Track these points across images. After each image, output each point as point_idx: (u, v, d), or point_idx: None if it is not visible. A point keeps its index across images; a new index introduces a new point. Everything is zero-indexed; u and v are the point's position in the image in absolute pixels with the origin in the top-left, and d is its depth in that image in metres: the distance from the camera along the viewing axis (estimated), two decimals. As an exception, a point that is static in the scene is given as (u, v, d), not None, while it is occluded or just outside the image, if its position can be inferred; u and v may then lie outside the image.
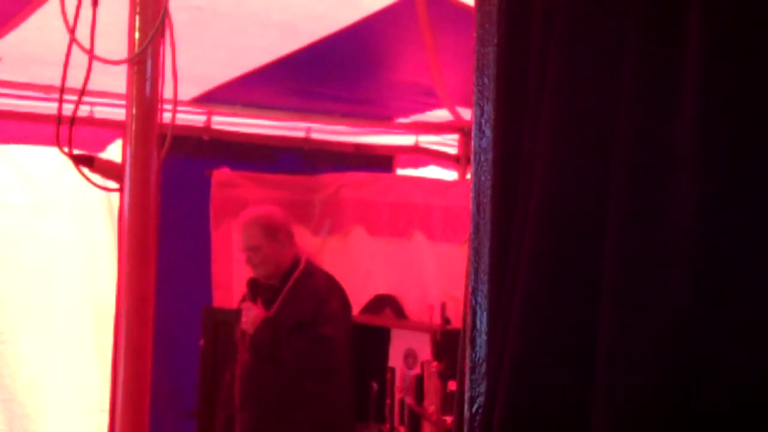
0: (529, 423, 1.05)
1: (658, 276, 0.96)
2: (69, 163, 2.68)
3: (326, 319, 3.92)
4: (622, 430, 0.97)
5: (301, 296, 3.97)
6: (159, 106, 2.62)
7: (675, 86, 0.94)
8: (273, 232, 4.05)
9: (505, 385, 1.07)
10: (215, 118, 4.97)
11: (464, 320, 1.22)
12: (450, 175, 5.68)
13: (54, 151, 2.71)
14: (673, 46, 0.93)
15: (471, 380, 1.16)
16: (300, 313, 3.91)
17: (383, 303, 4.83)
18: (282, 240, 4.06)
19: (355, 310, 4.69)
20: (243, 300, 4.16)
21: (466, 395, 1.16)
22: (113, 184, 2.68)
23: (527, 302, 1.04)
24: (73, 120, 2.60)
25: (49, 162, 4.39)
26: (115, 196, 4.19)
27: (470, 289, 1.17)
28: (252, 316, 3.90)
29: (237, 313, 4.14)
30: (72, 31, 2.52)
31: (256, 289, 4.05)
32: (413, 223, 5.03)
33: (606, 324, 0.98)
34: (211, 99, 4.79)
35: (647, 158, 0.96)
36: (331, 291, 4.06)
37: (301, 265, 4.06)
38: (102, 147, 4.53)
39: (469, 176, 1.23)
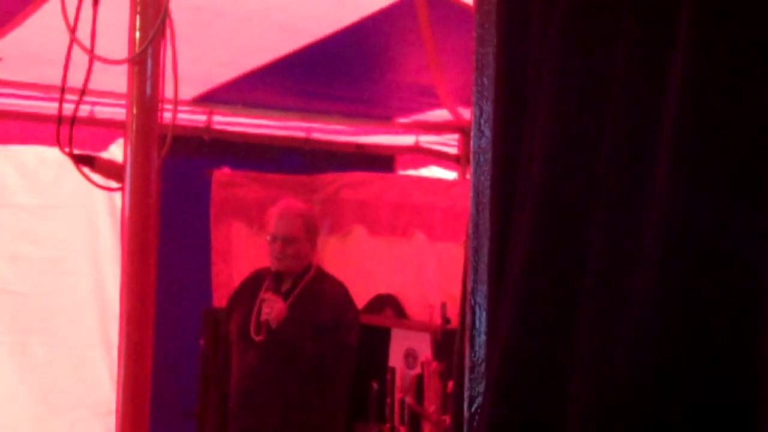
0: (512, 421, 1.05)
1: (633, 276, 0.95)
2: (70, 163, 2.68)
3: (349, 327, 3.93)
4: (594, 428, 0.96)
5: (316, 299, 3.93)
6: (159, 106, 2.62)
7: (662, 84, 0.94)
8: (312, 230, 4.04)
9: (491, 385, 1.08)
10: (216, 118, 4.98)
11: (462, 319, 1.23)
12: (450, 175, 5.69)
13: (55, 150, 2.71)
14: (664, 45, 0.93)
15: (470, 379, 1.16)
16: (317, 316, 3.88)
17: (383, 303, 4.83)
18: (314, 241, 4.06)
19: (355, 310, 4.69)
20: (243, 288, 4.12)
21: (466, 394, 1.17)
22: (114, 184, 2.69)
23: (516, 302, 1.04)
24: (74, 120, 2.60)
25: (51, 162, 4.39)
26: (118, 196, 4.22)
27: (470, 288, 1.17)
28: (277, 309, 3.80)
29: (233, 308, 4.09)
30: (72, 30, 2.52)
31: (278, 283, 3.98)
32: (413, 223, 5.04)
33: (582, 322, 0.98)
34: (212, 99, 4.80)
35: (631, 157, 0.97)
36: (348, 298, 4.06)
37: (314, 268, 4.05)
38: (104, 146, 4.55)
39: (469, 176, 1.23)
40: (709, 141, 0.91)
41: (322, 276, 4.07)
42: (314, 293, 3.95)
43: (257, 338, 3.86)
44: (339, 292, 4.04)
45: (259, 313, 3.89)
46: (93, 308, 4.61)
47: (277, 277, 3.98)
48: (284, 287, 3.96)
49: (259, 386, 3.88)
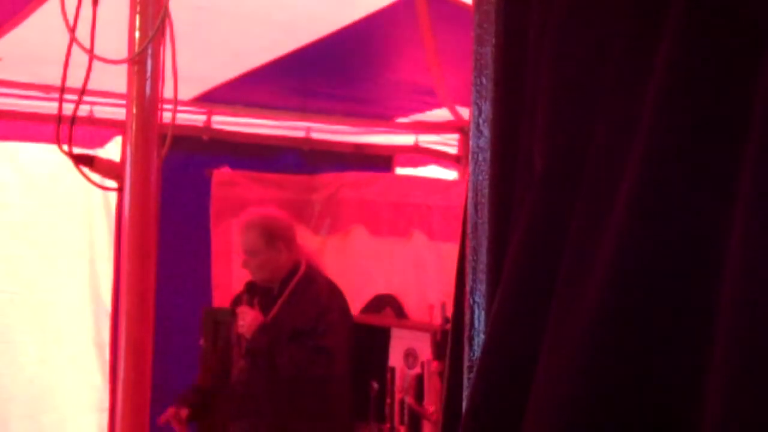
0: (490, 417, 1.05)
1: (591, 272, 0.94)
2: (68, 163, 2.69)
3: (327, 329, 3.83)
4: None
5: (300, 303, 3.89)
6: (159, 106, 2.62)
7: (647, 83, 0.93)
8: (272, 238, 3.95)
9: (474, 381, 1.08)
10: (215, 118, 4.98)
11: (458, 319, 1.23)
12: (450, 174, 5.69)
13: (53, 150, 2.71)
14: (655, 44, 0.92)
15: (469, 379, 1.16)
16: (299, 320, 3.84)
17: (383, 303, 4.83)
18: (279, 248, 3.95)
19: (356, 310, 4.69)
20: (235, 302, 4.12)
21: (464, 394, 1.17)
22: (111, 183, 2.69)
23: (504, 298, 1.04)
24: (74, 119, 2.60)
25: (48, 161, 4.40)
26: (114, 195, 4.25)
27: (468, 288, 1.17)
28: (249, 319, 3.81)
29: (231, 315, 4.09)
30: (72, 30, 2.52)
31: (253, 293, 3.97)
32: (413, 222, 5.04)
33: (551, 314, 0.97)
34: (211, 99, 4.80)
35: (616, 155, 0.96)
36: (332, 300, 3.97)
37: (301, 272, 3.98)
38: (101, 144, 4.56)
39: (468, 176, 1.23)
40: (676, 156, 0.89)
41: (311, 278, 4.00)
42: (299, 296, 3.91)
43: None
44: (321, 294, 3.95)
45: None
46: (86, 306, 4.63)
47: (252, 287, 3.97)
48: (272, 293, 3.95)
49: (250, 394, 3.89)
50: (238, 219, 4.15)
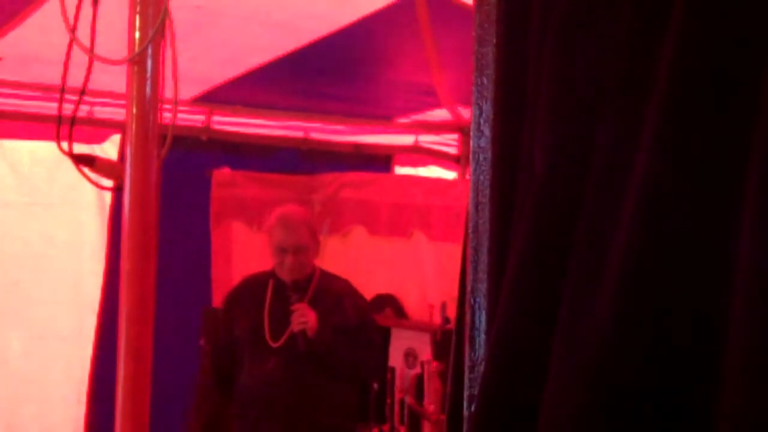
0: (497, 419, 1.05)
1: (602, 275, 0.94)
2: (63, 161, 2.69)
3: (374, 326, 4.02)
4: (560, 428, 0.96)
5: (332, 302, 3.89)
6: (159, 106, 2.61)
7: (653, 83, 0.93)
8: (315, 233, 3.98)
9: (482, 382, 1.08)
10: (215, 118, 4.98)
11: (461, 319, 1.23)
12: (450, 174, 5.69)
13: (48, 148, 2.71)
14: (656, 45, 0.92)
15: (470, 379, 1.16)
16: (342, 318, 3.85)
17: (383, 302, 4.83)
18: (317, 243, 4.00)
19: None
20: (231, 300, 4.10)
21: (465, 394, 1.17)
22: (107, 182, 2.70)
23: (509, 301, 1.04)
24: (74, 120, 2.60)
25: (44, 159, 4.41)
26: (109, 194, 4.26)
27: (469, 288, 1.17)
28: (312, 319, 3.72)
29: (235, 314, 4.06)
30: (72, 30, 2.52)
31: (279, 291, 3.90)
32: (413, 223, 5.04)
33: (557, 331, 0.98)
34: (211, 99, 4.80)
35: (620, 156, 0.96)
36: (363, 297, 4.09)
37: (318, 270, 3.98)
38: (99, 141, 4.58)
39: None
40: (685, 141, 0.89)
41: (328, 276, 4.01)
42: (326, 295, 3.90)
43: (275, 345, 3.80)
44: (353, 292, 4.03)
45: (276, 321, 3.83)
46: (70, 303, 4.67)
47: (294, 285, 3.88)
48: (296, 291, 3.87)
49: (286, 393, 3.79)
50: (275, 216, 4.05)
